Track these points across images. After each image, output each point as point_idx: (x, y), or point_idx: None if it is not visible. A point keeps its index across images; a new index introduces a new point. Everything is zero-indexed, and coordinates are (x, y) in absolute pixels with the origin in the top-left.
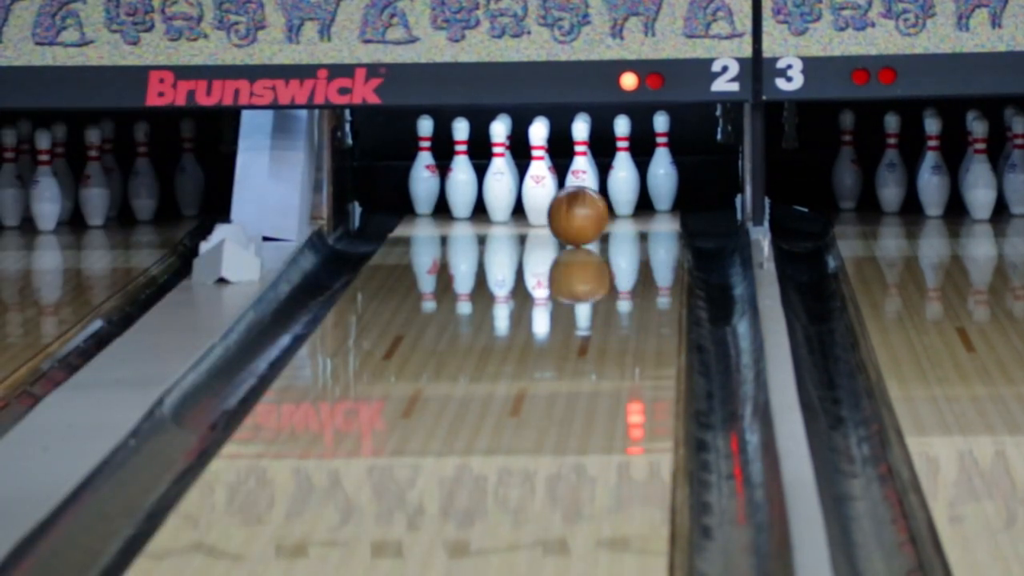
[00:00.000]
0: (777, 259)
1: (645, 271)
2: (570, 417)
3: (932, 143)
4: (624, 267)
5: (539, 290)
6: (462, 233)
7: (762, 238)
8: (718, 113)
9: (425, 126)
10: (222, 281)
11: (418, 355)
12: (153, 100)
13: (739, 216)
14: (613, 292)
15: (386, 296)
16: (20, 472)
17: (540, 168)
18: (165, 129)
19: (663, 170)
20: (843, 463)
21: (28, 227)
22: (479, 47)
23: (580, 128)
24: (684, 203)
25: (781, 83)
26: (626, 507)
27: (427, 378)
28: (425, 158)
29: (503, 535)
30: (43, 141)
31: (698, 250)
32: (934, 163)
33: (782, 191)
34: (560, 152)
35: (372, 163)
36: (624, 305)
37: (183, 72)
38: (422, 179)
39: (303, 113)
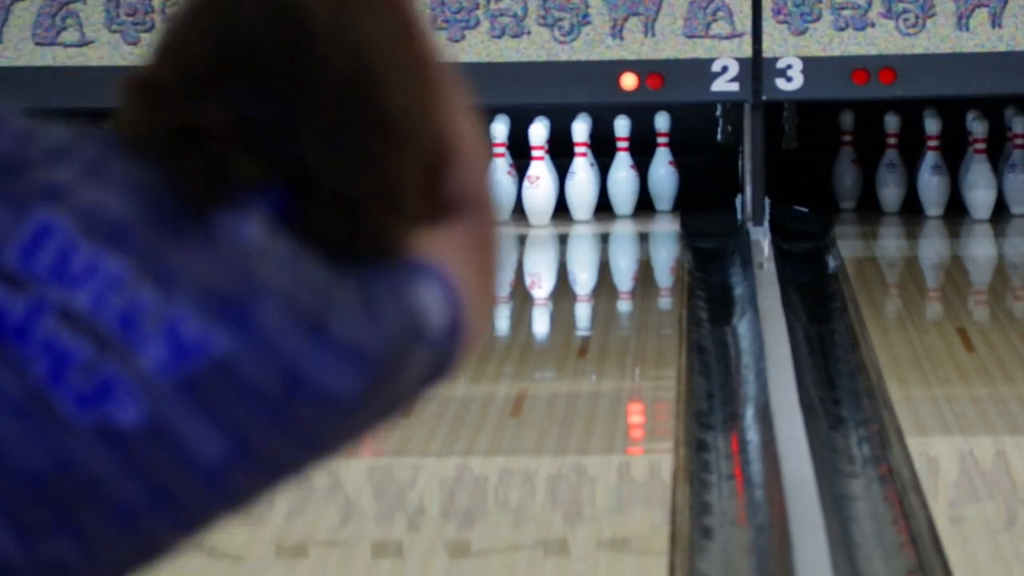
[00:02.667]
0: (777, 259)
1: (645, 271)
2: (570, 417)
3: (932, 143)
4: (624, 267)
5: (539, 290)
6: None
7: (762, 238)
8: (718, 113)
9: None
10: None
11: None
12: None
13: (739, 216)
14: (613, 292)
15: None
16: None
17: (539, 168)
18: None
19: (663, 170)
20: (843, 463)
21: None
22: (479, 47)
23: (580, 128)
24: (684, 203)
25: (781, 83)
26: (626, 507)
27: None
28: None
29: (504, 535)
30: None
31: (698, 250)
32: (934, 163)
33: (782, 191)
34: (560, 152)
35: None
36: (624, 305)
37: None
38: None
39: None
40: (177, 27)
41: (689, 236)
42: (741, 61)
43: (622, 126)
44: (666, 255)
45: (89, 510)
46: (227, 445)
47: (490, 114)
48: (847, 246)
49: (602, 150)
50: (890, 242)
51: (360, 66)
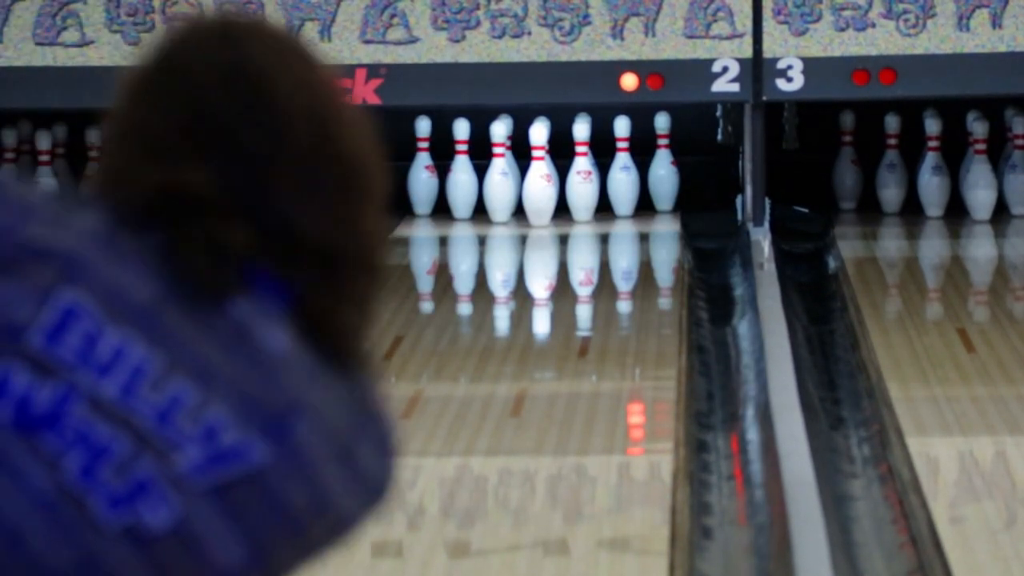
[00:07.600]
0: (777, 259)
1: (645, 271)
2: (570, 417)
3: (932, 144)
4: (624, 267)
5: (539, 290)
6: (462, 233)
7: (762, 238)
8: (719, 114)
9: (423, 126)
10: None
11: (418, 355)
12: None
13: (739, 216)
14: (613, 292)
15: (386, 296)
16: None
17: (542, 169)
18: None
19: (663, 171)
20: (843, 463)
21: None
22: (479, 47)
23: (581, 129)
24: (684, 203)
25: (781, 83)
26: (626, 507)
27: (427, 378)
28: (424, 158)
29: (503, 535)
30: (43, 142)
31: (698, 250)
32: (934, 164)
33: (782, 191)
34: (561, 153)
35: None
36: (624, 305)
37: None
38: (421, 179)
39: None
40: (129, 112)
41: (689, 236)
42: (741, 61)
43: (622, 126)
44: (666, 255)
45: None
46: (245, 552)
47: (490, 114)
48: (847, 246)
49: (602, 150)
50: (890, 242)
51: (316, 122)
